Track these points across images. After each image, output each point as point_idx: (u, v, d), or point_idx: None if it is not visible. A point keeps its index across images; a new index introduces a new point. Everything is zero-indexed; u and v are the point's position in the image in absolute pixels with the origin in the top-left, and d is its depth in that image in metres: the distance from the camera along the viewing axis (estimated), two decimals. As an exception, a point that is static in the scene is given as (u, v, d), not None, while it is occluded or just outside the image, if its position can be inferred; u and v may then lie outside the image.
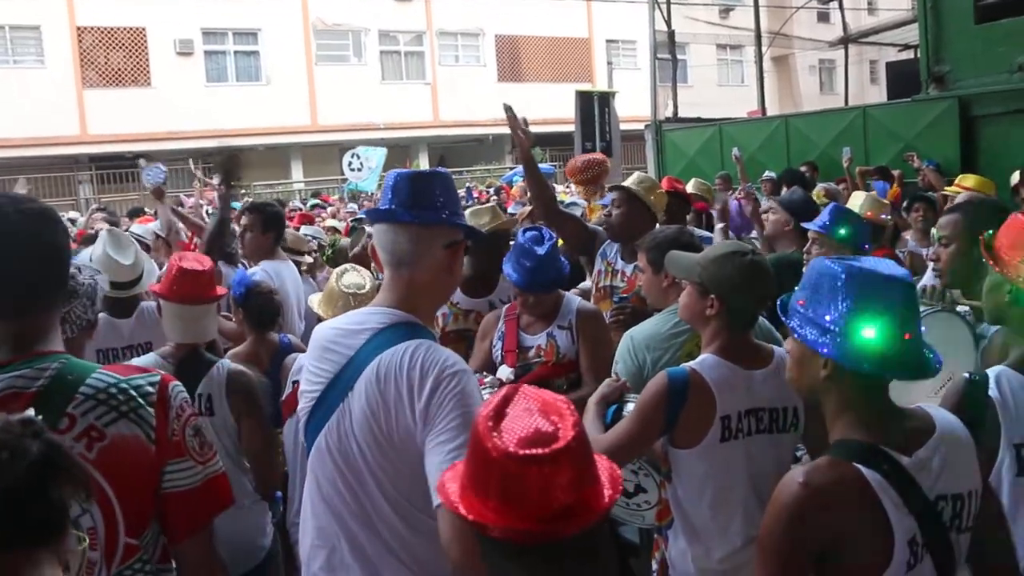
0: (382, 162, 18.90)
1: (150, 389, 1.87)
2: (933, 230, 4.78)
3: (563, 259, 4.03)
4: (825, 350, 1.83)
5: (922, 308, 3.46)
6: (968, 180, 6.37)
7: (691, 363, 2.69)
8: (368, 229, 8.65)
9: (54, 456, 1.28)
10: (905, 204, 6.44)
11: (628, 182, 4.72)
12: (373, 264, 4.18)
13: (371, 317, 2.22)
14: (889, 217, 6.21)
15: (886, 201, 6.61)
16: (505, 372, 3.81)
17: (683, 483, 2.72)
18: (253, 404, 3.47)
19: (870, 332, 1.80)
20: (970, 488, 1.90)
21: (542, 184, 4.75)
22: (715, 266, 2.72)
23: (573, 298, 4.11)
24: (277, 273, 5.32)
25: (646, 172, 14.54)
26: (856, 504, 1.77)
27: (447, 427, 1.95)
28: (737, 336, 2.73)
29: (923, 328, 1.89)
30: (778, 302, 2.04)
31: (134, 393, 1.84)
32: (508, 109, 4.42)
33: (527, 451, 1.34)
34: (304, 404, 2.24)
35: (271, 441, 3.59)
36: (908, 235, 6.95)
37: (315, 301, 3.82)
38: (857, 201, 5.22)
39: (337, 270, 3.80)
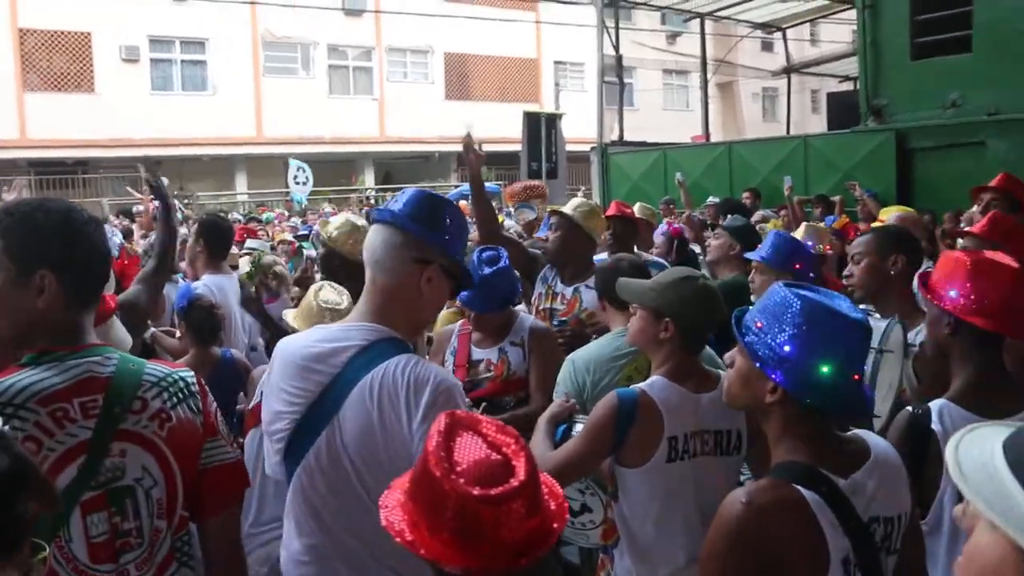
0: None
1: (192, 380, 2.12)
2: None
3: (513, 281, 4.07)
4: (777, 377, 1.88)
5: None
6: (890, 214, 6.52)
7: (641, 384, 2.74)
8: (308, 252, 8.67)
9: (22, 469, 1.28)
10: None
11: (567, 207, 4.77)
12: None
13: (351, 333, 2.23)
14: (828, 248, 6.34)
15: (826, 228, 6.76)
16: None
17: (629, 502, 2.76)
18: None
19: (824, 368, 1.86)
20: (900, 511, 1.97)
21: (486, 206, 4.80)
22: (669, 291, 2.78)
23: (526, 317, 4.16)
24: (219, 287, 5.27)
25: (591, 194, 14.79)
26: (795, 524, 1.82)
27: None
28: (687, 359, 2.79)
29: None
30: (732, 316, 2.07)
31: (184, 384, 2.09)
32: (468, 131, 4.47)
33: (485, 491, 1.35)
34: (282, 425, 2.23)
35: None
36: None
37: (290, 316, 3.80)
38: (801, 233, 5.36)
39: (314, 286, 3.78)
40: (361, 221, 4.63)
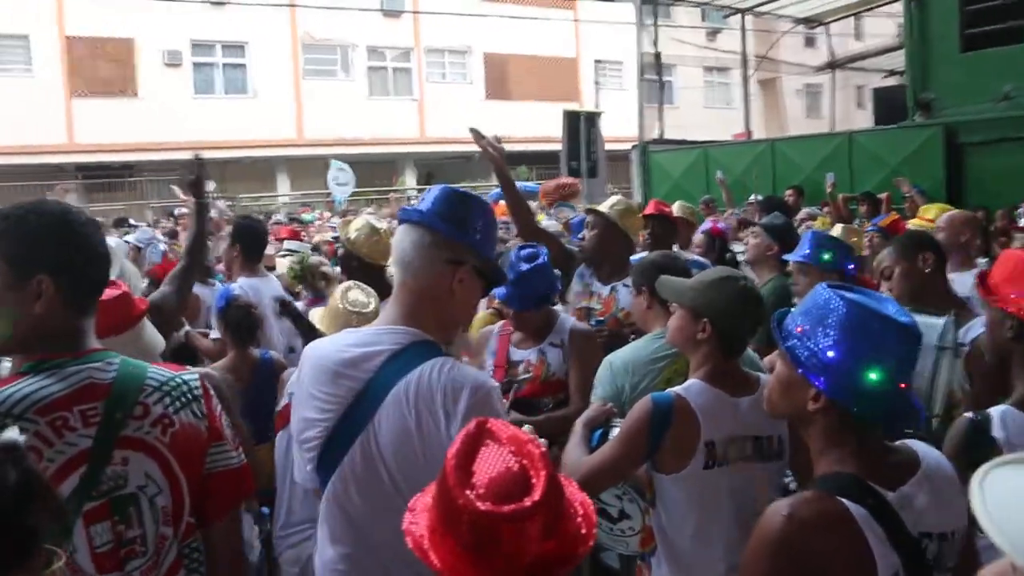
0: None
1: (196, 384, 2.08)
2: None
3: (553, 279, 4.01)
4: (820, 384, 1.80)
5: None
6: (930, 212, 6.36)
7: (677, 388, 2.66)
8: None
9: (31, 483, 1.27)
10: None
11: (603, 206, 4.75)
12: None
13: (382, 337, 2.19)
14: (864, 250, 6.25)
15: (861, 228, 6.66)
16: None
17: (666, 509, 2.69)
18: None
19: (871, 376, 1.76)
20: (954, 527, 1.87)
21: (520, 202, 4.75)
22: (709, 290, 2.71)
23: (567, 318, 4.11)
24: (255, 289, 5.27)
25: (631, 194, 14.69)
26: (840, 538, 1.74)
27: None
28: (726, 362, 2.71)
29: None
30: (773, 319, 1.99)
31: (188, 387, 2.05)
32: (473, 131, 4.44)
33: (496, 508, 1.30)
34: (314, 433, 2.18)
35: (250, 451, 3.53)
36: None
37: (316, 316, 3.78)
38: (837, 233, 5.29)
39: (341, 287, 3.76)
40: (380, 224, 4.61)
